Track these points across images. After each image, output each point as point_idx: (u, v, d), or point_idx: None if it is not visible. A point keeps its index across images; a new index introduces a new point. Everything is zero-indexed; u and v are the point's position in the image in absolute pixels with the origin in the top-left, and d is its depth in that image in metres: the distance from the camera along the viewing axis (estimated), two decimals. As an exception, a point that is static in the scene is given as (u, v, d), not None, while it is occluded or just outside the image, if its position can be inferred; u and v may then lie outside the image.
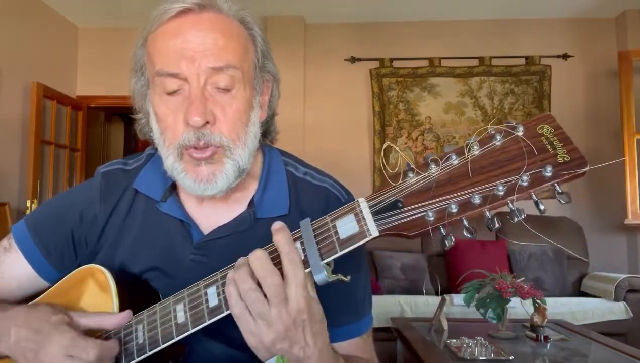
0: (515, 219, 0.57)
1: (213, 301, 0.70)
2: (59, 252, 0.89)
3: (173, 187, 0.89)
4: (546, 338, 2.46)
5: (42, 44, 4.52)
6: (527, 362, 2.24)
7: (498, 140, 0.60)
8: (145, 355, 0.75)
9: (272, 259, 0.66)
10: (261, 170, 0.90)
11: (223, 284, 0.70)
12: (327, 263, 0.65)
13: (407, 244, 3.98)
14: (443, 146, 4.79)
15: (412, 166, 0.63)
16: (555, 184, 0.56)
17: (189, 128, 0.76)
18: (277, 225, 0.67)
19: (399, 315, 3.45)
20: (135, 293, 0.84)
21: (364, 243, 0.64)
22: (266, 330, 0.64)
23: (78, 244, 0.90)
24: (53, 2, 4.55)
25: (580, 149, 0.58)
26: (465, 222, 0.60)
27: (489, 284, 2.52)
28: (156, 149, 0.86)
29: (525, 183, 0.57)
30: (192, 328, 0.71)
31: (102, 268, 0.82)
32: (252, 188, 0.89)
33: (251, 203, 0.87)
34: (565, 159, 0.57)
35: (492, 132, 0.61)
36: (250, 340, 0.66)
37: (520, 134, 0.59)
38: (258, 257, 0.65)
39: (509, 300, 2.46)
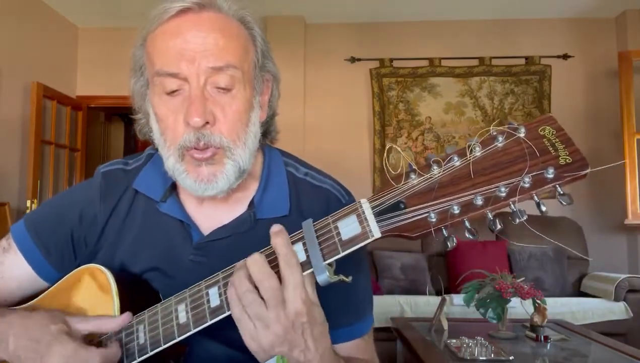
0: (517, 220, 0.58)
1: (215, 301, 0.70)
2: (59, 252, 0.89)
3: (173, 188, 0.88)
4: (546, 338, 2.46)
5: (42, 44, 4.52)
6: (527, 362, 2.24)
7: (500, 142, 0.60)
8: (147, 355, 0.75)
9: (270, 262, 0.66)
10: (261, 170, 0.90)
11: (225, 284, 0.70)
12: (329, 264, 0.65)
13: (407, 244, 3.98)
14: (443, 146, 4.79)
15: (414, 167, 0.63)
16: (557, 186, 0.56)
17: (189, 128, 0.76)
18: (275, 228, 0.67)
19: (399, 315, 3.45)
20: (136, 293, 0.83)
21: (366, 245, 0.64)
22: (264, 333, 0.64)
23: (78, 244, 0.90)
24: (53, 2, 4.55)
25: (580, 149, 0.59)
26: (467, 224, 0.60)
27: (489, 284, 2.53)
28: (156, 149, 0.86)
29: (527, 185, 0.57)
30: (193, 329, 0.71)
31: (103, 268, 0.82)
32: (252, 188, 0.88)
33: (251, 204, 0.87)
34: (567, 160, 0.57)
35: (494, 133, 0.61)
36: (251, 345, 0.66)
37: (522, 135, 0.59)
38: (255, 261, 0.66)
39: (509, 300, 2.46)
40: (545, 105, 4.72)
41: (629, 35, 4.61)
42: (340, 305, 0.85)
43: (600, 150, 4.51)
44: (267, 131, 0.92)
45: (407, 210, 0.62)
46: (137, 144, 6.62)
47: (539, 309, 2.52)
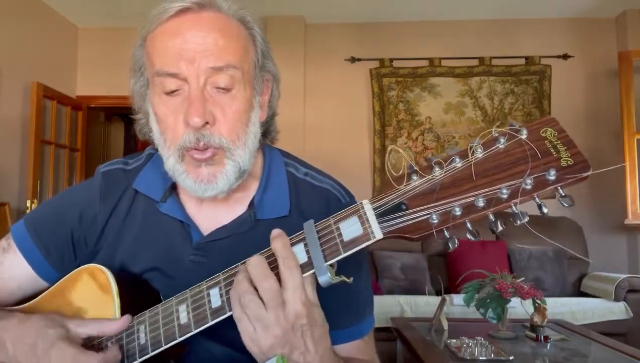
0: (519, 222, 0.58)
1: (216, 302, 0.70)
2: (59, 252, 0.89)
3: (173, 188, 0.88)
4: (546, 338, 2.46)
5: (42, 44, 4.52)
6: (527, 362, 2.24)
7: (502, 143, 0.60)
8: (148, 356, 0.75)
9: (270, 264, 0.66)
10: (262, 170, 0.90)
11: (226, 285, 0.70)
12: (331, 265, 0.65)
13: (407, 244, 3.98)
14: (443, 146, 4.79)
15: (415, 168, 0.63)
16: (559, 188, 0.57)
17: (189, 129, 0.75)
18: (275, 232, 0.67)
19: (399, 315, 3.45)
20: (136, 293, 0.83)
21: (368, 246, 0.64)
22: (264, 334, 0.64)
23: (78, 244, 0.89)
24: (53, 2, 4.55)
25: (580, 149, 0.59)
26: (468, 225, 0.60)
27: (489, 284, 2.53)
28: (156, 149, 0.85)
29: (529, 187, 0.57)
30: (194, 329, 0.71)
31: (103, 268, 0.82)
32: (252, 188, 0.88)
33: (251, 204, 0.87)
34: (568, 162, 0.57)
35: (496, 135, 0.61)
36: (250, 346, 0.66)
37: (524, 137, 0.59)
38: (255, 262, 0.66)
39: (509, 300, 2.46)
40: (545, 105, 4.73)
41: (629, 35, 4.61)
42: (340, 306, 0.85)
43: (600, 150, 4.51)
44: (267, 131, 0.92)
45: (408, 211, 0.62)
46: (137, 144, 6.61)
47: (539, 309, 2.52)
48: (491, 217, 0.59)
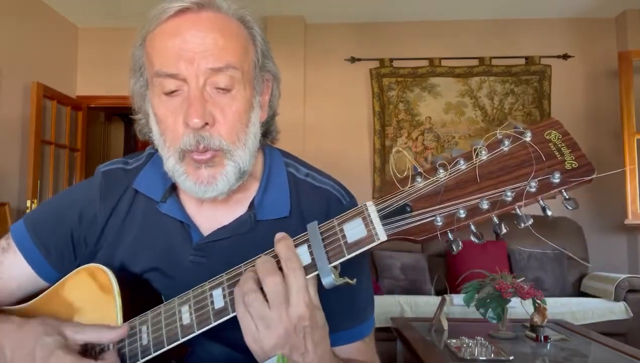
0: (522, 225, 0.58)
1: (219, 303, 0.70)
2: (59, 252, 0.88)
3: (173, 188, 0.88)
4: (546, 338, 2.46)
5: (42, 44, 4.51)
6: (527, 362, 2.24)
7: (506, 146, 0.60)
8: (150, 357, 0.75)
9: None
10: (262, 171, 0.90)
11: (229, 286, 0.70)
12: (335, 267, 0.65)
13: (407, 244, 3.96)
14: (443, 146, 4.79)
15: (419, 170, 0.63)
16: (563, 191, 0.57)
17: (189, 129, 0.75)
18: (279, 235, 0.67)
19: (399, 315, 3.45)
20: (137, 293, 0.83)
21: (372, 248, 0.64)
22: (266, 333, 0.64)
23: (78, 244, 0.89)
24: (53, 2, 4.54)
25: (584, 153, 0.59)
26: (472, 227, 0.60)
27: (489, 284, 2.53)
28: (157, 149, 0.85)
29: (533, 190, 0.57)
30: (197, 330, 0.71)
31: (104, 268, 0.81)
32: (252, 189, 0.88)
33: (251, 205, 0.86)
34: (573, 165, 0.57)
35: (500, 137, 0.61)
36: (252, 346, 0.66)
37: (528, 139, 0.59)
38: (263, 260, 0.66)
39: (509, 300, 2.47)
40: (545, 105, 4.73)
41: (629, 35, 4.61)
42: (342, 308, 0.85)
43: (600, 150, 4.51)
44: (268, 131, 0.92)
45: (413, 213, 0.62)
46: (137, 144, 6.61)
47: (539, 309, 2.52)
48: (495, 219, 0.59)
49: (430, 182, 0.62)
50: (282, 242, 0.66)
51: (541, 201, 0.57)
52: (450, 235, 0.61)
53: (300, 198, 0.88)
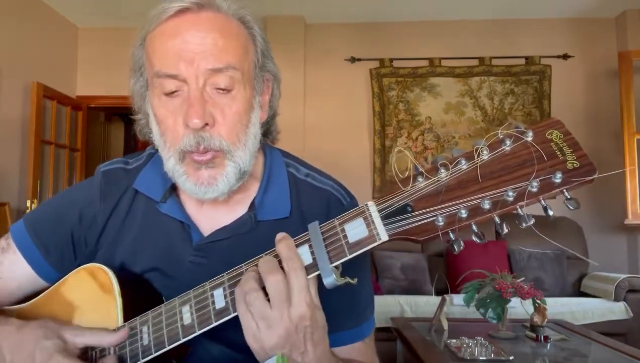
0: (524, 225, 0.58)
1: (220, 303, 0.70)
2: (59, 252, 0.88)
3: (173, 188, 0.88)
4: (546, 338, 2.46)
5: (42, 44, 4.51)
6: (527, 362, 2.24)
7: (508, 146, 0.60)
8: (151, 357, 0.75)
9: None
10: (262, 171, 0.90)
11: (230, 286, 0.70)
12: (336, 267, 0.65)
13: (407, 244, 3.95)
14: (443, 146, 4.79)
15: (421, 170, 0.63)
16: (564, 190, 0.57)
17: (189, 130, 0.75)
18: (280, 235, 0.67)
19: (399, 315, 3.45)
20: (137, 292, 0.83)
21: (373, 248, 0.64)
22: (267, 333, 0.64)
23: (78, 244, 0.89)
24: (53, 2, 4.54)
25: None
26: (474, 227, 0.60)
27: (489, 284, 2.53)
28: (157, 149, 0.85)
29: (535, 189, 0.57)
30: (198, 330, 0.71)
31: (105, 268, 0.81)
32: (253, 189, 0.88)
33: (252, 206, 0.86)
34: (574, 165, 0.57)
35: (502, 136, 0.61)
36: (253, 345, 0.66)
37: (529, 139, 0.59)
38: (265, 259, 0.66)
39: (509, 300, 2.47)
40: (545, 105, 4.73)
41: (629, 35, 4.61)
42: (342, 308, 0.85)
43: (600, 150, 4.51)
44: (268, 131, 0.92)
45: (414, 213, 0.62)
46: (137, 144, 6.61)
47: (539, 309, 2.52)
48: (497, 219, 0.59)
49: (432, 182, 0.62)
50: (283, 242, 0.66)
51: (543, 201, 0.57)
52: (451, 235, 0.61)
53: (300, 199, 0.88)
